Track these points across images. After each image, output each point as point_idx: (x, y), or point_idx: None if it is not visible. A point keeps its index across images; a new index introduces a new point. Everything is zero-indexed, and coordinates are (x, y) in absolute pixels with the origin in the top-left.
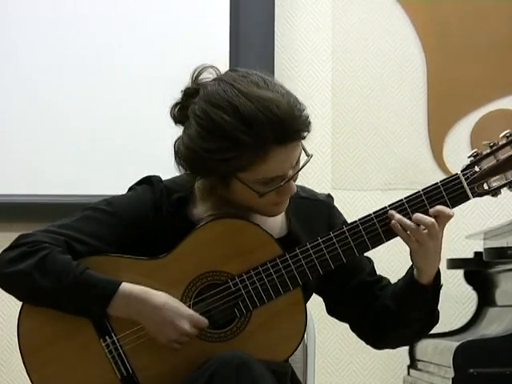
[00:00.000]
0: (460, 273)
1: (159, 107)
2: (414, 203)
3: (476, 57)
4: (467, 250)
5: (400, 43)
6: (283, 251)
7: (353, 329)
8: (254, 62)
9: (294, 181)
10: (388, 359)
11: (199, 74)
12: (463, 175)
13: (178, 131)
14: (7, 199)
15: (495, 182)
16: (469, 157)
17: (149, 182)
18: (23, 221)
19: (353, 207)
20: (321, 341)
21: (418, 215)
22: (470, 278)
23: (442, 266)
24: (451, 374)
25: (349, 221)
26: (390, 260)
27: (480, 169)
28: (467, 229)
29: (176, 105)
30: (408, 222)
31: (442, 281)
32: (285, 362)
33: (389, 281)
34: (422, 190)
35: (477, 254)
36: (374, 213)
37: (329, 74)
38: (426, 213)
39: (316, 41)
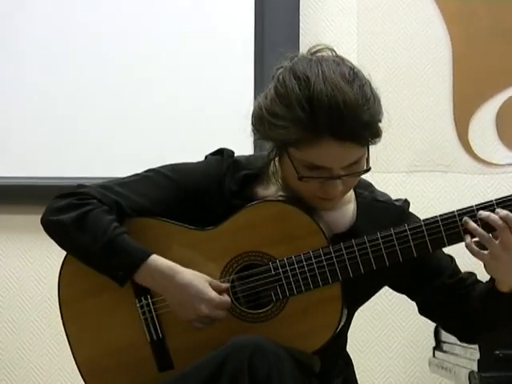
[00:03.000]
0: None
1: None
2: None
3: (501, 39)
4: None
5: (425, 25)
6: (328, 243)
7: (444, 329)
8: (279, 46)
9: (349, 185)
10: (413, 341)
11: (317, 51)
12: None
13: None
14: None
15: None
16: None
17: (220, 154)
18: (26, 203)
19: (378, 189)
20: None
21: (492, 217)
22: None
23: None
24: (477, 355)
25: None
26: None
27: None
28: None
29: (280, 67)
30: (481, 230)
31: (467, 262)
32: (312, 355)
33: (475, 277)
34: (495, 200)
35: None
36: (440, 216)
37: (354, 57)
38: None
39: (341, 23)
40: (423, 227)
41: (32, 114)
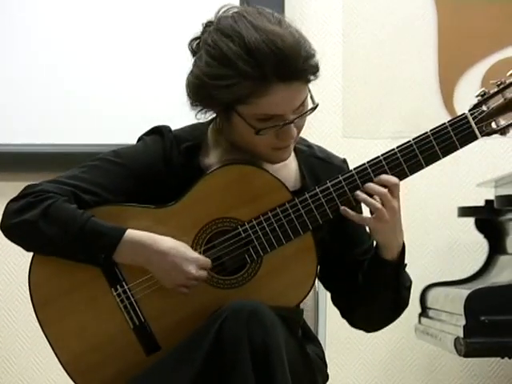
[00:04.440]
0: (471, 221)
1: (167, 58)
2: (423, 144)
3: (487, 5)
4: (478, 197)
5: None
6: (293, 196)
7: (333, 302)
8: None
9: (299, 128)
10: None
11: (225, 12)
12: (471, 114)
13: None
14: (12, 148)
15: (503, 120)
16: (476, 96)
17: (158, 132)
18: (29, 171)
19: (363, 155)
20: None
21: (369, 185)
22: (481, 226)
23: (453, 214)
24: (462, 321)
25: None
26: None
27: (488, 108)
28: (478, 177)
29: (195, 38)
30: (363, 195)
31: (453, 229)
32: (297, 308)
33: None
34: (430, 131)
35: (488, 201)
36: (383, 154)
37: (339, 23)
38: (437, 157)
39: None
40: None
41: (29, 82)
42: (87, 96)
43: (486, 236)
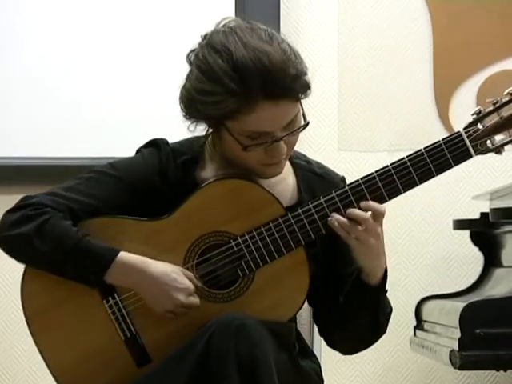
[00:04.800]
0: (466, 234)
1: (164, 72)
2: (417, 161)
3: (482, 17)
4: (473, 210)
5: (406, 3)
6: (285, 211)
7: (313, 318)
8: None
9: (291, 145)
10: (394, 320)
11: (224, 23)
12: (465, 133)
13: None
14: (9, 162)
15: (499, 139)
16: (472, 114)
17: (155, 145)
18: (26, 183)
19: (359, 168)
20: None
21: (354, 211)
22: (476, 239)
23: (449, 227)
24: (457, 334)
25: None
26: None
27: (483, 126)
28: (473, 190)
29: (192, 50)
30: (343, 219)
31: (448, 242)
32: (288, 323)
33: None
34: (424, 149)
35: (483, 214)
36: (377, 171)
37: (335, 36)
38: (431, 174)
39: (321, 2)
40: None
41: (26, 95)
42: (85, 109)
43: (481, 249)
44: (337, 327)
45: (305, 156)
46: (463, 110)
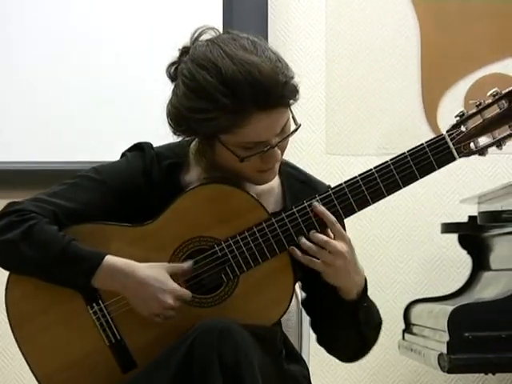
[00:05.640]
0: (454, 237)
1: (151, 73)
2: (400, 164)
3: (469, 22)
4: (461, 214)
5: (393, 7)
6: (269, 216)
7: (311, 326)
8: (248, 27)
9: (283, 149)
10: (383, 323)
11: (200, 34)
12: (449, 135)
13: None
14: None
15: (482, 141)
16: (455, 116)
17: (140, 148)
18: (11, 188)
19: (347, 172)
20: None
21: (315, 235)
22: (464, 242)
23: (437, 230)
24: (446, 337)
25: None
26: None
27: (466, 128)
28: (461, 193)
29: (172, 64)
30: (309, 244)
31: (436, 245)
32: (273, 326)
33: None
34: (408, 152)
35: (471, 218)
36: (360, 175)
37: (322, 40)
38: (415, 177)
39: (309, 6)
40: (360, 182)
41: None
42: (71, 114)
43: (469, 252)
44: (325, 339)
45: (291, 163)
46: (451, 114)
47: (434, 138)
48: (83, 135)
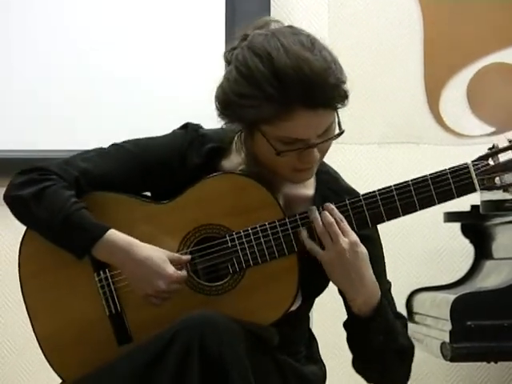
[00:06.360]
0: (457, 226)
1: (152, 72)
2: (420, 186)
3: (472, 11)
4: (464, 203)
5: None
6: (285, 215)
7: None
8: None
9: (323, 152)
10: None
11: (263, 24)
12: (473, 165)
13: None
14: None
15: (509, 177)
16: (488, 148)
17: (185, 127)
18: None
19: (349, 161)
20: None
21: (326, 215)
22: (466, 231)
23: (439, 219)
24: (448, 326)
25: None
26: None
27: (494, 162)
28: None
29: (232, 48)
30: (309, 241)
31: (439, 234)
32: (268, 326)
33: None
34: (430, 175)
35: (474, 206)
36: (378, 190)
37: (325, 29)
38: (433, 201)
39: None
40: (377, 197)
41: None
42: (62, 103)
43: (472, 241)
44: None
45: (331, 170)
46: (454, 103)
47: (458, 166)
48: (83, 135)
